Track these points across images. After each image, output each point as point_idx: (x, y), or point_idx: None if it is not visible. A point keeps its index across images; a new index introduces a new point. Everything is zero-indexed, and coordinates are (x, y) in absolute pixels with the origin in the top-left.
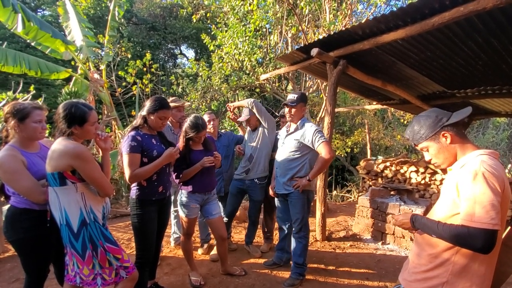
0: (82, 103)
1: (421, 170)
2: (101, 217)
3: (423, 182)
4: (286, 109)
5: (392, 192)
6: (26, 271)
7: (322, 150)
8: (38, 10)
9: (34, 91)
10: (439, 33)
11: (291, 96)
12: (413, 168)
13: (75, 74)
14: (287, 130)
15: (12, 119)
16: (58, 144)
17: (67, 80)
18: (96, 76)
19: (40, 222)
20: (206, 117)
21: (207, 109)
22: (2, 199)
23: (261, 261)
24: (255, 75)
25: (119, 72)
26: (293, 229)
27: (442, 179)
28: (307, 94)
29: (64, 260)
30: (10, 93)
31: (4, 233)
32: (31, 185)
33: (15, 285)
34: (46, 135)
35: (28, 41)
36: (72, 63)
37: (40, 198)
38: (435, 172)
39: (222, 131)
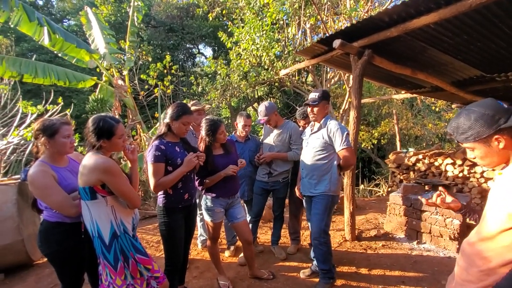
0: (109, 117)
1: (459, 162)
2: (131, 229)
3: (460, 175)
4: (309, 109)
5: (426, 188)
6: (61, 281)
7: (343, 156)
8: (64, 20)
9: (62, 103)
10: (476, 14)
11: (313, 95)
12: (449, 160)
13: (100, 82)
14: (311, 130)
15: (42, 136)
16: (89, 159)
17: (95, 86)
18: (120, 82)
19: (72, 234)
20: (242, 121)
21: (227, 107)
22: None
23: (289, 263)
24: (274, 70)
25: (141, 76)
26: (312, 234)
27: (483, 171)
28: (328, 85)
29: (98, 269)
30: (40, 106)
31: (38, 247)
32: (62, 200)
33: None
34: (75, 144)
35: (55, 52)
36: (98, 70)
37: (72, 211)
38: (474, 164)
39: (253, 135)
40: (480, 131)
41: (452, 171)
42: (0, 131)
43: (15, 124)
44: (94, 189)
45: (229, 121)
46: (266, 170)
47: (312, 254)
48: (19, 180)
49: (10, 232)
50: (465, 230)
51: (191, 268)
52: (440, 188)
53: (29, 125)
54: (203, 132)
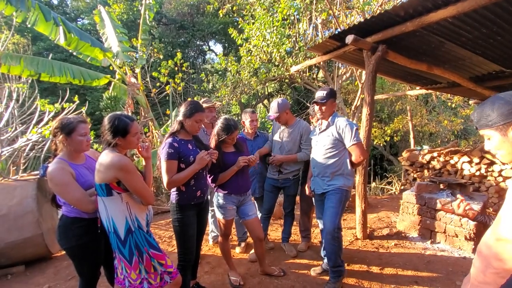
0: (125, 115)
1: (476, 160)
2: (145, 224)
3: (477, 173)
4: (316, 107)
5: (441, 186)
6: (79, 274)
7: (354, 152)
8: (78, 20)
9: (78, 101)
10: (497, 8)
11: (320, 93)
12: (465, 158)
13: (114, 80)
14: (319, 128)
15: (60, 134)
16: (105, 157)
17: (108, 84)
18: (132, 80)
19: (90, 229)
20: (248, 117)
21: (237, 104)
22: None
23: (299, 261)
24: (285, 66)
25: (153, 73)
26: (325, 228)
27: (501, 170)
28: (340, 82)
29: (114, 263)
30: (57, 105)
31: (57, 241)
32: (80, 196)
33: (71, 283)
34: (91, 140)
35: (70, 51)
36: (111, 68)
37: (89, 207)
38: (492, 163)
39: (262, 131)
40: (499, 118)
41: (469, 170)
42: (19, 129)
43: (33, 122)
44: (110, 186)
45: (239, 118)
46: (277, 168)
47: (323, 252)
48: (38, 176)
49: (30, 226)
50: (481, 230)
51: (202, 263)
52: (459, 196)
53: (47, 123)
54: (215, 129)
